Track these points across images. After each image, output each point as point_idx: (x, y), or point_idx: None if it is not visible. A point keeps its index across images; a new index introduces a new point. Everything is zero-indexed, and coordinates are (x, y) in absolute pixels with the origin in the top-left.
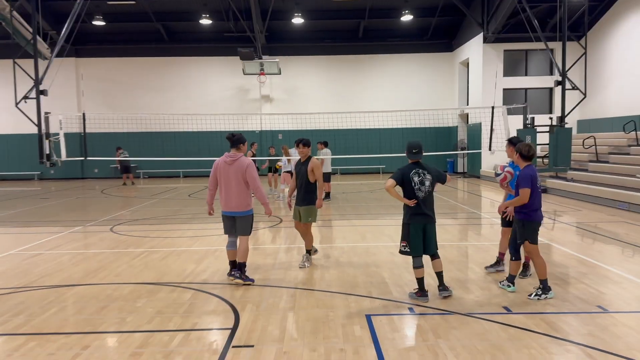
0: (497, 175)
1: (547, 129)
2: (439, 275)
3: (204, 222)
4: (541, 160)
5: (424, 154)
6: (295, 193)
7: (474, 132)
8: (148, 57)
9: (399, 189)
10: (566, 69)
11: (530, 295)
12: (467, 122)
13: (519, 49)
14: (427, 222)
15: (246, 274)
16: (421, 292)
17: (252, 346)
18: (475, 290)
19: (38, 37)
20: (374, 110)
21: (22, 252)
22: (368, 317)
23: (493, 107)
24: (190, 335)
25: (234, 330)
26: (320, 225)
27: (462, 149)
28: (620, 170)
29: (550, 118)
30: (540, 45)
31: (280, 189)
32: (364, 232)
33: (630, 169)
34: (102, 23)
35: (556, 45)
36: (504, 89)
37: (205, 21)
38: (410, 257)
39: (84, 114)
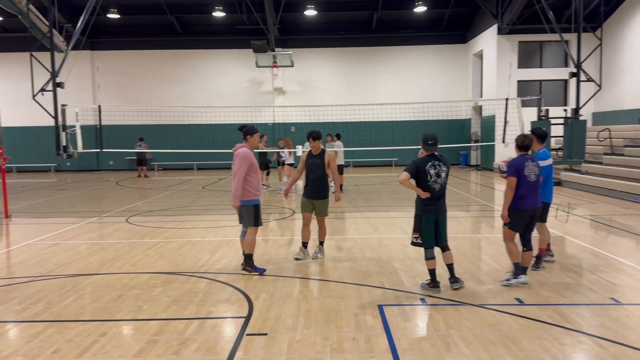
0: (502, 172)
1: (562, 121)
2: (450, 267)
3: (218, 213)
4: (555, 152)
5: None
6: (294, 185)
7: (488, 125)
8: (162, 50)
9: (412, 181)
10: (581, 60)
11: (503, 280)
12: (481, 115)
13: (533, 40)
14: (439, 213)
15: (255, 264)
16: (433, 283)
17: (266, 334)
18: (488, 281)
19: (54, 30)
20: (386, 102)
21: (40, 242)
22: (380, 307)
23: (507, 99)
24: (205, 324)
25: (248, 318)
26: (333, 218)
27: (476, 142)
28: (636, 163)
29: (565, 110)
30: (555, 36)
31: (284, 181)
32: (377, 224)
33: None
34: (116, 16)
35: (571, 37)
36: (518, 81)
37: (219, 14)
38: (422, 249)
39: (99, 107)
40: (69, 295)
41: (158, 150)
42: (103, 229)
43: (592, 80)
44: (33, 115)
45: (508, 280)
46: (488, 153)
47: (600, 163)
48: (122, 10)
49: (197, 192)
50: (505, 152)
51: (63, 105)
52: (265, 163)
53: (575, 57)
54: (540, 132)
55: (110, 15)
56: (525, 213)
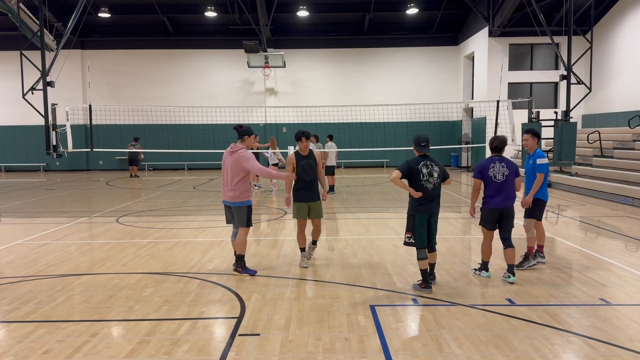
0: None
1: (552, 123)
2: (432, 265)
3: (209, 213)
4: (546, 154)
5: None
6: (275, 185)
7: (479, 126)
8: (153, 50)
9: (405, 182)
10: (572, 63)
11: (474, 268)
12: (472, 116)
13: (524, 43)
14: (432, 213)
15: (246, 266)
16: (425, 283)
17: (258, 335)
18: (478, 282)
19: (44, 29)
20: (378, 103)
21: (29, 242)
22: (372, 308)
23: (498, 101)
24: (197, 324)
25: (240, 319)
26: (324, 218)
27: (467, 143)
28: (625, 165)
29: (555, 112)
30: (546, 39)
31: (273, 182)
32: (368, 225)
33: (634, 164)
34: (107, 15)
35: (562, 40)
36: (509, 83)
37: (211, 14)
38: (414, 249)
39: (90, 106)
40: (59, 295)
41: (149, 150)
42: (93, 229)
43: (582, 83)
44: (23, 114)
45: (476, 269)
46: (479, 155)
47: (590, 165)
48: (113, 10)
49: (188, 193)
50: None
51: (53, 105)
52: None
53: (565, 59)
54: (538, 131)
55: (101, 15)
56: (492, 211)
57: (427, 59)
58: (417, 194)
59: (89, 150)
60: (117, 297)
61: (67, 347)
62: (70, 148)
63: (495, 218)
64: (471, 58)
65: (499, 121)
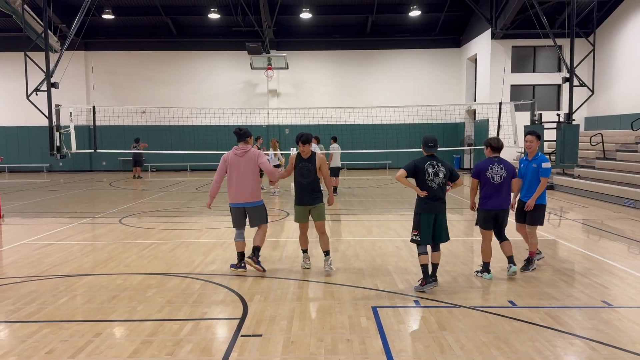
0: None
1: (555, 125)
2: (435, 266)
3: (212, 214)
4: (548, 157)
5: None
6: (277, 187)
7: (481, 128)
8: (157, 51)
9: (412, 181)
10: (574, 65)
11: (476, 270)
12: (474, 118)
13: (527, 45)
14: (438, 212)
15: (244, 266)
16: (425, 280)
17: (260, 335)
18: (480, 284)
19: (48, 31)
20: (380, 105)
21: (33, 243)
22: (374, 309)
23: (501, 103)
24: (199, 325)
25: (242, 320)
26: (327, 220)
27: (469, 145)
28: (628, 167)
29: (558, 115)
30: (549, 41)
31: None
32: (370, 227)
33: (637, 166)
34: (111, 17)
35: (564, 42)
36: (512, 85)
37: (214, 15)
38: (415, 246)
39: (94, 107)
40: (63, 295)
41: (151, 151)
42: (96, 230)
43: (585, 85)
44: (27, 115)
45: (477, 271)
46: (481, 157)
47: (593, 167)
48: (117, 11)
49: (191, 194)
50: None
51: (57, 106)
52: None
53: (568, 62)
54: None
55: (105, 16)
56: (489, 212)
57: (429, 61)
58: (423, 193)
59: (92, 151)
60: (120, 297)
61: (71, 347)
62: (73, 149)
63: (492, 219)
64: (474, 60)
65: (501, 123)
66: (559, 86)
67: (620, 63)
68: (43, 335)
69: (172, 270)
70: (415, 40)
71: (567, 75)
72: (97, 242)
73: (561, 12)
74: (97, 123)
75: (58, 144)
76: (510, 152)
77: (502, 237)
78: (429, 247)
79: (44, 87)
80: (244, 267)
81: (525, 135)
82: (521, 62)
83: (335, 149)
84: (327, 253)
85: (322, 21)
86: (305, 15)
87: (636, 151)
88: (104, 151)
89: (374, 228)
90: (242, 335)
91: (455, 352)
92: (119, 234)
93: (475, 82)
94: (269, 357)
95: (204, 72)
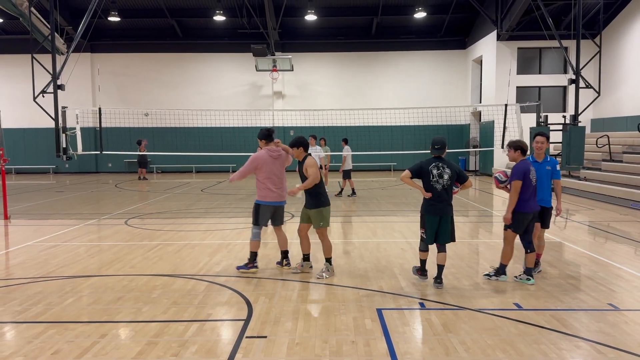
0: (501, 182)
1: (561, 127)
2: (440, 267)
3: (217, 216)
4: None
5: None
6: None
7: (487, 130)
8: (162, 53)
9: (419, 182)
10: (580, 67)
11: (484, 274)
12: (480, 120)
13: (532, 46)
14: (442, 214)
15: (257, 265)
16: (421, 272)
17: (265, 337)
18: (486, 286)
19: (55, 33)
20: (385, 107)
21: (39, 244)
22: (379, 311)
23: (506, 105)
24: (204, 326)
25: (247, 321)
26: (331, 221)
27: (474, 147)
28: (634, 169)
29: (564, 116)
30: (555, 43)
31: None
32: (375, 229)
33: None
34: (117, 19)
35: (570, 44)
36: (517, 87)
37: (219, 17)
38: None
39: (99, 109)
40: (69, 296)
41: (157, 152)
42: (102, 231)
43: (591, 87)
44: (33, 116)
45: (489, 275)
46: (486, 158)
47: (599, 169)
48: (123, 14)
49: (196, 195)
50: (504, 158)
51: (63, 107)
52: None
53: (574, 63)
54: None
55: (111, 18)
56: (528, 215)
57: (434, 62)
58: (427, 194)
59: (98, 152)
60: (125, 298)
61: (76, 348)
62: (79, 150)
63: (529, 221)
64: (479, 62)
65: (507, 125)
66: (564, 88)
67: (627, 64)
68: (49, 335)
69: (177, 272)
70: (421, 42)
71: (573, 77)
72: (103, 244)
73: (567, 14)
74: (103, 125)
75: (64, 146)
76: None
77: (530, 246)
78: (434, 247)
79: (51, 89)
80: (257, 266)
81: (534, 136)
82: (527, 63)
83: (347, 151)
84: (327, 260)
85: (327, 23)
86: (310, 17)
87: None
88: (110, 153)
89: (379, 230)
90: (247, 337)
91: (460, 354)
92: (125, 236)
93: (481, 84)
94: (274, 359)
95: (209, 74)
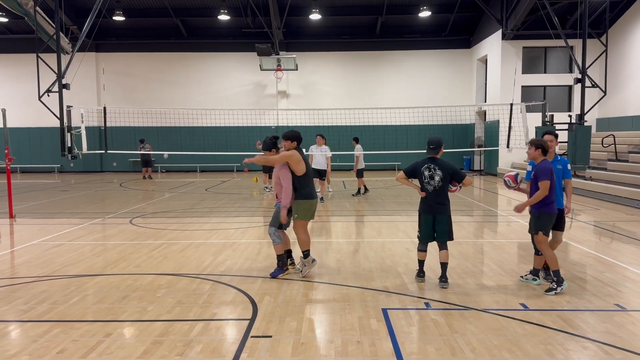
0: (509, 186)
1: (566, 127)
2: (443, 266)
3: (222, 215)
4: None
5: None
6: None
7: (492, 130)
8: (167, 52)
9: (415, 181)
10: (586, 66)
11: (546, 291)
12: (485, 120)
13: (538, 46)
14: (436, 214)
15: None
16: (418, 273)
17: (270, 336)
18: (492, 286)
19: (60, 32)
20: (390, 106)
21: (44, 243)
22: (384, 311)
23: (511, 104)
24: (209, 325)
25: (252, 321)
26: (336, 221)
27: (479, 147)
28: None
29: (570, 116)
30: (560, 42)
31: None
32: (380, 228)
33: None
34: (122, 18)
35: (576, 43)
36: (523, 86)
37: (224, 17)
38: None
39: (104, 108)
40: (74, 295)
41: (161, 152)
42: (107, 230)
43: (597, 86)
44: (38, 116)
45: (553, 290)
46: (491, 158)
47: (605, 169)
48: (128, 13)
49: (200, 195)
50: (509, 157)
51: (68, 107)
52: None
53: (580, 63)
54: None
55: (116, 18)
56: (554, 216)
57: (439, 62)
58: (421, 193)
59: (103, 152)
60: (130, 297)
61: (82, 347)
62: (84, 150)
63: (553, 222)
64: (484, 61)
65: (512, 125)
66: (570, 87)
67: (633, 64)
68: (54, 334)
69: (182, 271)
70: (425, 41)
71: (579, 76)
72: (107, 243)
73: (572, 13)
74: (108, 124)
75: (69, 145)
76: (522, 154)
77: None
78: (432, 246)
79: (56, 88)
80: (288, 267)
81: (542, 135)
82: (532, 62)
83: (359, 150)
84: (303, 253)
85: (332, 22)
86: (315, 16)
87: None
88: (115, 152)
89: (384, 229)
90: (252, 336)
91: (466, 355)
92: (130, 235)
93: (486, 83)
94: (279, 359)
95: (213, 74)
